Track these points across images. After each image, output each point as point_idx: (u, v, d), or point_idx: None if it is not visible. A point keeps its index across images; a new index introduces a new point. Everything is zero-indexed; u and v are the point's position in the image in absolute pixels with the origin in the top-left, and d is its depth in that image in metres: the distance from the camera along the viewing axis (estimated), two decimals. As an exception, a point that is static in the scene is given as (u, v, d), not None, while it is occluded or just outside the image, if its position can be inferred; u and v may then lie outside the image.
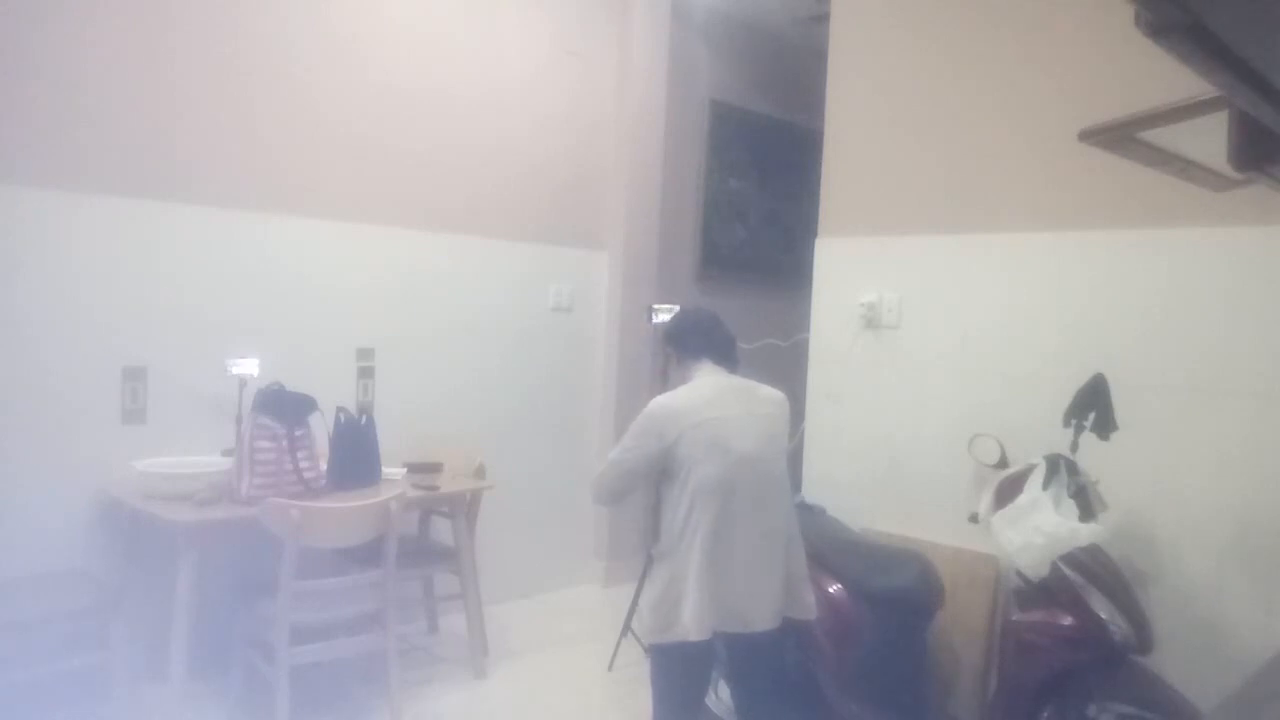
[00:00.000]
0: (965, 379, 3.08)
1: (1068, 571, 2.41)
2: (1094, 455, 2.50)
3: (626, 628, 3.72)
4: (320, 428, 3.17)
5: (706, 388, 2.42)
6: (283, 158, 3.53)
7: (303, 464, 3.04)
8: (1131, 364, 2.64)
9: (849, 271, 3.40)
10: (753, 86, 5.39)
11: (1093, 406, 2.47)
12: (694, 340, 2.52)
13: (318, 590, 2.84)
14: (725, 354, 2.52)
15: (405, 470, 3.46)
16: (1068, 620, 2.41)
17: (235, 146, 3.40)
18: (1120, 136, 1.26)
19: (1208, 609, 2.55)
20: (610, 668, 3.65)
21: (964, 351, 3.09)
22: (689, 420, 2.31)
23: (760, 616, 2.32)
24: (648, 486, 2.46)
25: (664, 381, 2.64)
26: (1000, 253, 3.01)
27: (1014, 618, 2.55)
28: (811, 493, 3.41)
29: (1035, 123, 2.90)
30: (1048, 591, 2.46)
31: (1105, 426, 2.47)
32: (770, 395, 2.48)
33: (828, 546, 2.90)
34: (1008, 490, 2.54)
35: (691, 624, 2.25)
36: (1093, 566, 2.44)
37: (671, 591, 2.30)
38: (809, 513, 3.16)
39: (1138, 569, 2.62)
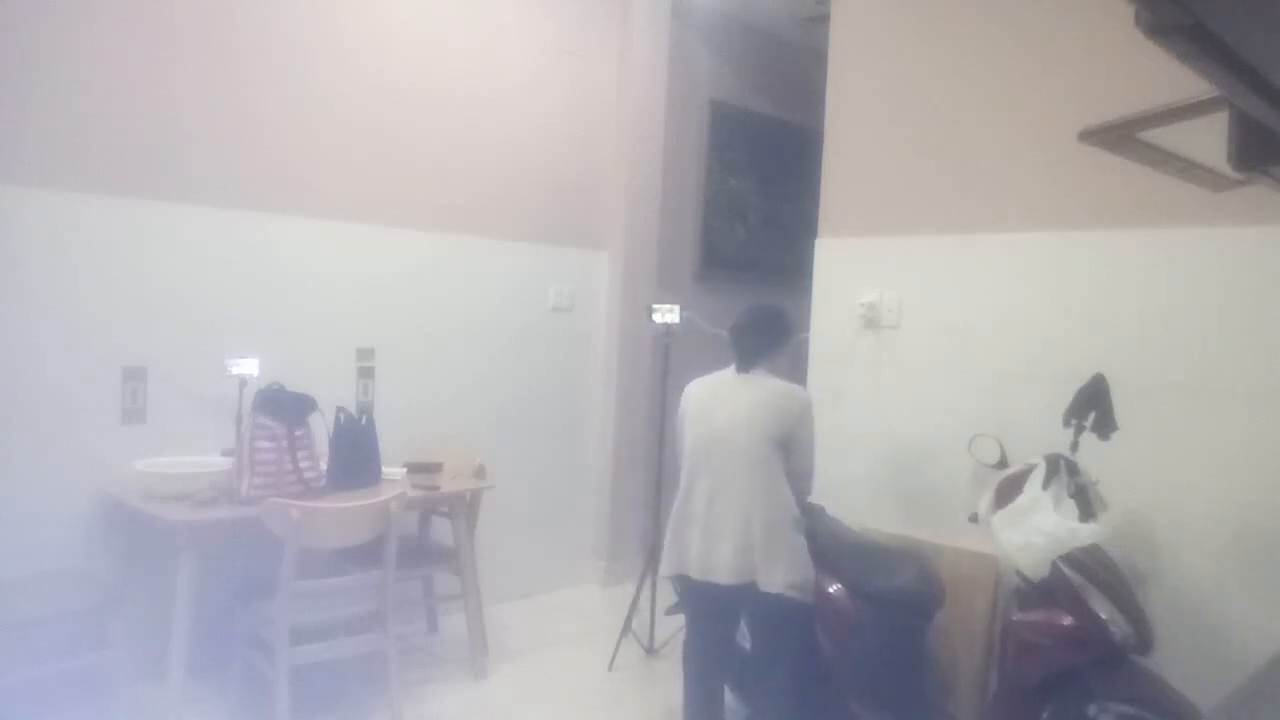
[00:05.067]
0: (965, 379, 3.08)
1: (1068, 571, 2.41)
2: (1094, 455, 2.50)
3: (627, 627, 3.72)
4: (320, 428, 3.17)
5: (726, 374, 2.76)
6: (283, 158, 3.53)
7: (303, 464, 3.04)
8: (1131, 364, 2.64)
9: (849, 271, 3.40)
10: (753, 86, 5.39)
11: (1093, 406, 2.47)
12: (733, 339, 2.82)
13: (318, 590, 2.85)
14: (750, 350, 2.72)
15: (405, 470, 3.46)
16: (1068, 620, 2.41)
17: (235, 146, 3.40)
18: (1120, 136, 1.26)
19: (1208, 609, 2.55)
20: (610, 668, 3.65)
21: (964, 351, 3.08)
22: (695, 396, 2.75)
23: (718, 571, 2.61)
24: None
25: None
26: (1000, 253, 3.01)
27: (1014, 618, 2.55)
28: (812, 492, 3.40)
29: (1035, 123, 2.89)
30: (1048, 591, 2.46)
31: (1105, 426, 2.47)
32: (777, 387, 2.66)
33: (827, 546, 2.90)
34: (1008, 490, 2.54)
35: (664, 561, 2.72)
36: (1093, 566, 2.43)
37: (666, 537, 2.77)
38: (809, 512, 3.15)
39: (1138, 569, 2.62)
